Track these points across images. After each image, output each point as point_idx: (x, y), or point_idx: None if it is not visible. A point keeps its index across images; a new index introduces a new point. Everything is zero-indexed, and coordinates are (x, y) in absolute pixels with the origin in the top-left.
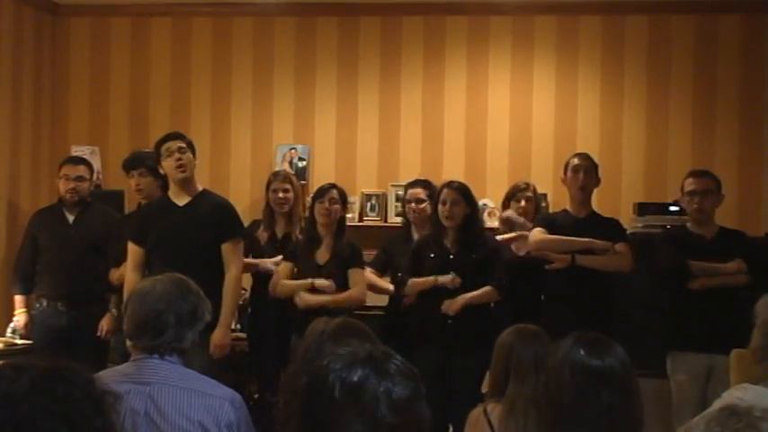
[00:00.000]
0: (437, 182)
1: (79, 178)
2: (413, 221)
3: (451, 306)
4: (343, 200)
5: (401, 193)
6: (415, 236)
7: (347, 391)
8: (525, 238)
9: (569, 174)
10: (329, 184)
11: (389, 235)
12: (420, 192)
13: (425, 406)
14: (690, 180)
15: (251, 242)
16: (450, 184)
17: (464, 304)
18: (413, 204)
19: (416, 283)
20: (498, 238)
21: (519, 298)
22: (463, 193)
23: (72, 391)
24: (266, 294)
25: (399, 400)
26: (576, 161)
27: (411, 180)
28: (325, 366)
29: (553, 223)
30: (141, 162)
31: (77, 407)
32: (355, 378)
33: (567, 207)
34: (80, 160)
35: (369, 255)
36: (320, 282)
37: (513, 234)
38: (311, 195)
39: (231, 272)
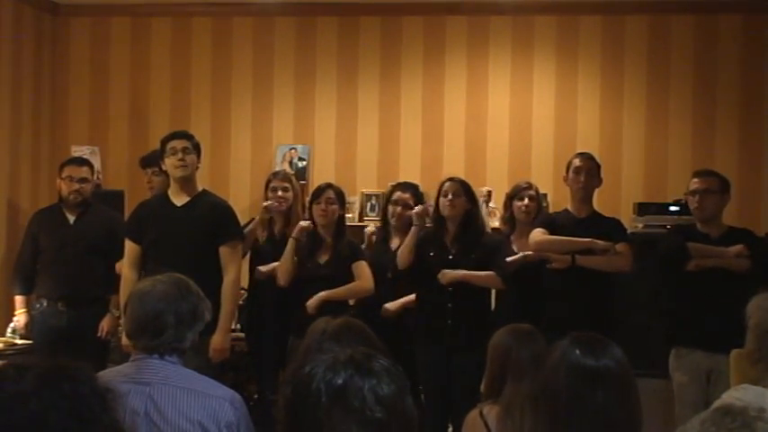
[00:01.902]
0: (437, 182)
1: (83, 180)
2: (393, 225)
3: (447, 275)
4: (341, 199)
5: None
6: (394, 238)
7: (333, 394)
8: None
9: (571, 174)
10: (326, 184)
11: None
12: (408, 197)
13: (411, 402)
14: (694, 179)
15: (249, 241)
16: (452, 178)
17: (462, 278)
18: (399, 208)
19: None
20: (509, 260)
21: (520, 298)
22: (464, 188)
23: (79, 388)
24: (265, 294)
25: (386, 397)
26: (577, 162)
27: (399, 182)
28: (308, 373)
29: (553, 223)
30: (157, 161)
31: (86, 403)
32: (340, 381)
33: (569, 206)
34: (83, 161)
35: None
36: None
37: (519, 256)
38: (309, 196)
39: (229, 275)
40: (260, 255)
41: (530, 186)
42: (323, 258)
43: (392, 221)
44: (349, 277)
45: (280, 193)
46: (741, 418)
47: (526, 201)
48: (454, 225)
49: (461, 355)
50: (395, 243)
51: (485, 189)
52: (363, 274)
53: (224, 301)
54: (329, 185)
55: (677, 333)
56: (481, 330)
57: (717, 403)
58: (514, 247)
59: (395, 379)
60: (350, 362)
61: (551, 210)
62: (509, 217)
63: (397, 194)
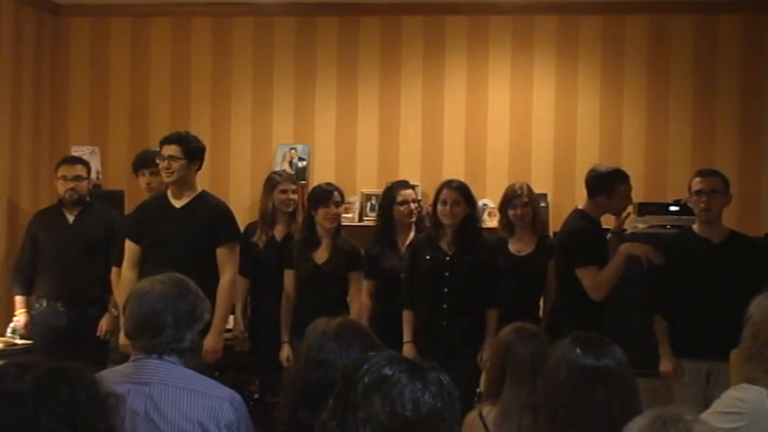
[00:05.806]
0: (437, 182)
1: (77, 177)
2: (402, 224)
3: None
4: (342, 199)
5: None
6: (401, 238)
7: (375, 380)
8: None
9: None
10: (328, 185)
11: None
12: (412, 193)
13: (452, 428)
14: (697, 179)
15: (249, 247)
16: (449, 184)
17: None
18: (411, 205)
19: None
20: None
21: (519, 298)
22: (463, 193)
23: (76, 393)
24: (266, 295)
25: (424, 405)
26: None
27: (395, 181)
28: (366, 358)
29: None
30: (152, 161)
31: (81, 409)
32: (388, 372)
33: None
34: (77, 159)
35: None
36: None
37: None
38: (310, 197)
39: (226, 276)
40: (261, 261)
41: (522, 193)
42: (321, 258)
43: (405, 220)
44: (346, 277)
45: (291, 195)
46: (681, 425)
47: (518, 210)
48: (452, 229)
49: (457, 356)
50: (401, 243)
51: (481, 203)
52: (357, 294)
53: (219, 302)
54: (333, 187)
55: (672, 345)
56: (477, 331)
57: (718, 403)
58: (511, 249)
59: (444, 397)
60: (409, 364)
61: (550, 209)
62: (507, 222)
63: (402, 193)
